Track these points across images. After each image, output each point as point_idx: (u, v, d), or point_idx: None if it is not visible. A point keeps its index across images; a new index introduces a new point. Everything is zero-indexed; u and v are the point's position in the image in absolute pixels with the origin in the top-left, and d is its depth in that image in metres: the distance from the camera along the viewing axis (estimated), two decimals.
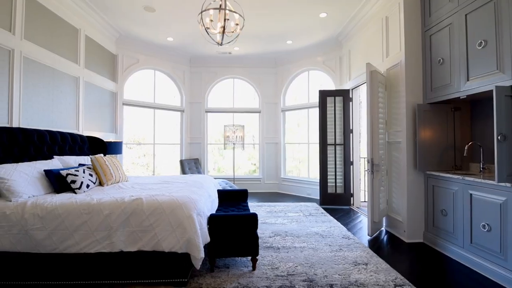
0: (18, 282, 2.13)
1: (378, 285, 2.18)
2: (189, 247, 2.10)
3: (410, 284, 2.20)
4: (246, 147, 6.25)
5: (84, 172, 2.78)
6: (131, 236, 2.14)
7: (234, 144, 5.99)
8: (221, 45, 3.13)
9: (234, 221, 2.41)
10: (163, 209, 2.18)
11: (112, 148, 4.36)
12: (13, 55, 2.95)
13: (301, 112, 6.43)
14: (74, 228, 2.12)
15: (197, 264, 2.12)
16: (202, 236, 2.19)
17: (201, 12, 2.93)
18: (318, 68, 5.86)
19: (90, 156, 3.13)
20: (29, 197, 2.34)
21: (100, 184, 2.97)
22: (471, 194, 2.56)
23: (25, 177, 2.40)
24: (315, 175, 6.04)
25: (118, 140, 4.87)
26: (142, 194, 2.42)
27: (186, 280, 2.17)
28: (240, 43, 5.38)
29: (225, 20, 2.88)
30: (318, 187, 5.53)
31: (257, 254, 2.43)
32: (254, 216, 2.44)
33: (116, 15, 4.36)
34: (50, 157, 3.04)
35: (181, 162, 6.17)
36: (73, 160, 3.19)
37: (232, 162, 6.34)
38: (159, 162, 6.20)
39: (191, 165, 6.19)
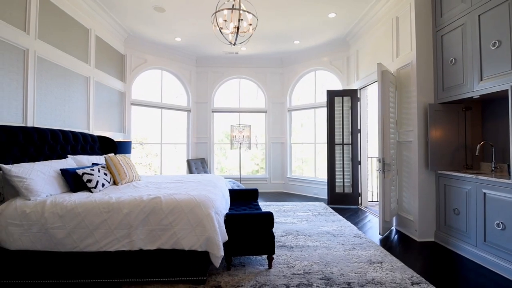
0: (39, 280, 2.15)
1: (395, 283, 2.20)
2: (209, 245, 2.12)
3: (427, 282, 2.21)
4: (250, 147, 6.26)
5: (99, 171, 2.80)
6: (150, 235, 2.16)
7: (240, 143, 6.00)
8: (234, 45, 3.15)
9: (250, 220, 2.42)
10: (181, 208, 2.20)
11: (121, 147, 4.38)
12: (28, 54, 2.96)
13: (305, 112, 6.46)
14: (94, 226, 2.13)
15: (217, 262, 2.13)
16: (221, 234, 2.21)
17: (215, 13, 2.95)
18: (325, 68, 5.88)
19: (104, 155, 3.14)
20: (46, 196, 2.35)
21: (114, 183, 2.99)
22: (484, 193, 2.58)
23: (42, 176, 2.42)
24: (321, 174, 6.06)
25: (126, 140, 4.89)
26: (159, 193, 2.44)
27: (204, 278, 2.19)
28: (247, 43, 5.40)
29: (239, 20, 2.90)
30: (325, 187, 5.55)
31: (273, 253, 2.45)
32: (270, 215, 2.46)
33: (126, 15, 4.37)
34: (64, 156, 3.06)
35: (188, 162, 6.18)
36: (86, 160, 3.20)
37: (239, 162, 6.36)
38: (162, 162, 6.20)
39: (198, 164, 6.21)
